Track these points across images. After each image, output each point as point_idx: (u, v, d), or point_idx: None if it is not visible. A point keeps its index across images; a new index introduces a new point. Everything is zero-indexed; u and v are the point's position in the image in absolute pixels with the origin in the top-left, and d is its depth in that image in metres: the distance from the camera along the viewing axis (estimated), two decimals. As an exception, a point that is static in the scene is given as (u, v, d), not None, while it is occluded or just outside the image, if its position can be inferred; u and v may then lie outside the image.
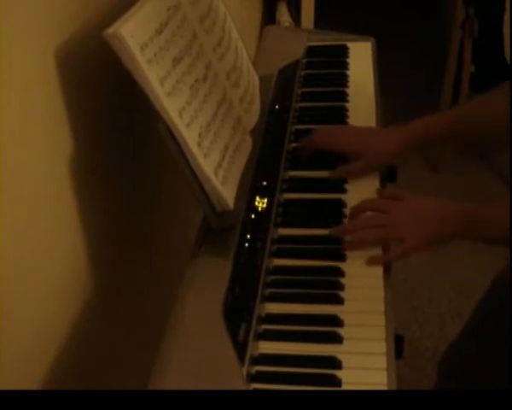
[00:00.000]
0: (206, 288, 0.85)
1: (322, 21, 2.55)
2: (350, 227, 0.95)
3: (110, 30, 0.76)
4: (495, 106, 1.01)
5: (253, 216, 0.94)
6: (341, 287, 0.87)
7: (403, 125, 1.08)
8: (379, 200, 1.00)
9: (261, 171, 1.02)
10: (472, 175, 2.57)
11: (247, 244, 0.90)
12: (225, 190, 0.90)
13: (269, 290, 0.87)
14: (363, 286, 0.88)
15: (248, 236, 0.91)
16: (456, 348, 1.30)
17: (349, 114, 1.23)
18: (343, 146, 1.08)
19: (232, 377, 0.73)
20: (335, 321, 0.82)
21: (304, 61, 1.39)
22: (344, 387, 0.74)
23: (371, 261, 0.90)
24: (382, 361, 0.77)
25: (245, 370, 0.74)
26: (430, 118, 1.07)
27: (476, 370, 1.19)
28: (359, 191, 1.04)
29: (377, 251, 0.92)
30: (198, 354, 0.76)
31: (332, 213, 1.01)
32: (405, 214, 0.94)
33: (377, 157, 1.07)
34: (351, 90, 1.30)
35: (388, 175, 1.10)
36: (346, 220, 0.98)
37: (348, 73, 1.36)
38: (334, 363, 0.77)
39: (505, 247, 0.91)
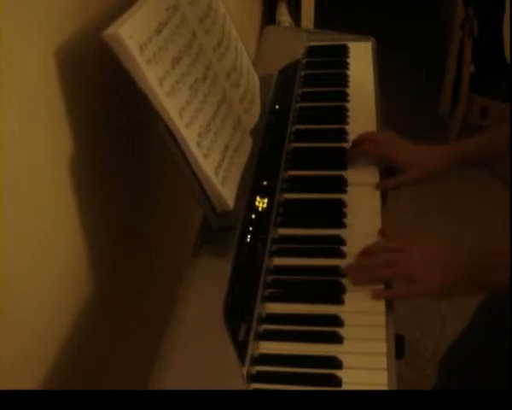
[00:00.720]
0: (206, 288, 0.85)
1: (322, 21, 2.55)
2: (361, 266, 0.91)
3: (109, 31, 0.75)
4: None
5: (253, 216, 0.94)
6: (342, 287, 0.87)
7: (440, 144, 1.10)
8: (391, 242, 0.95)
9: (261, 171, 1.02)
10: (472, 176, 2.57)
11: (247, 244, 0.90)
12: (225, 190, 0.90)
13: (269, 290, 0.87)
14: (363, 286, 0.88)
15: (248, 236, 0.91)
16: (458, 347, 1.30)
17: (349, 113, 1.23)
18: (395, 156, 1.09)
19: (232, 377, 0.73)
20: (336, 321, 0.82)
21: (304, 61, 1.39)
22: (344, 387, 0.74)
23: (375, 296, 0.86)
24: (383, 361, 0.77)
25: (245, 370, 0.74)
26: (459, 143, 1.11)
27: (477, 369, 1.19)
28: (359, 191, 1.04)
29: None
30: (198, 354, 0.76)
31: (332, 212, 1.01)
32: (418, 255, 0.90)
33: (424, 172, 1.08)
34: (351, 90, 1.30)
35: (388, 176, 1.10)
36: (345, 220, 0.98)
37: (348, 72, 1.36)
38: (335, 363, 0.77)
39: (503, 292, 0.91)
